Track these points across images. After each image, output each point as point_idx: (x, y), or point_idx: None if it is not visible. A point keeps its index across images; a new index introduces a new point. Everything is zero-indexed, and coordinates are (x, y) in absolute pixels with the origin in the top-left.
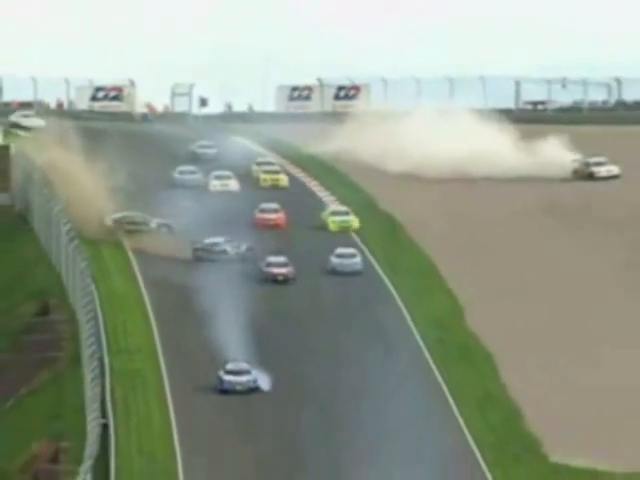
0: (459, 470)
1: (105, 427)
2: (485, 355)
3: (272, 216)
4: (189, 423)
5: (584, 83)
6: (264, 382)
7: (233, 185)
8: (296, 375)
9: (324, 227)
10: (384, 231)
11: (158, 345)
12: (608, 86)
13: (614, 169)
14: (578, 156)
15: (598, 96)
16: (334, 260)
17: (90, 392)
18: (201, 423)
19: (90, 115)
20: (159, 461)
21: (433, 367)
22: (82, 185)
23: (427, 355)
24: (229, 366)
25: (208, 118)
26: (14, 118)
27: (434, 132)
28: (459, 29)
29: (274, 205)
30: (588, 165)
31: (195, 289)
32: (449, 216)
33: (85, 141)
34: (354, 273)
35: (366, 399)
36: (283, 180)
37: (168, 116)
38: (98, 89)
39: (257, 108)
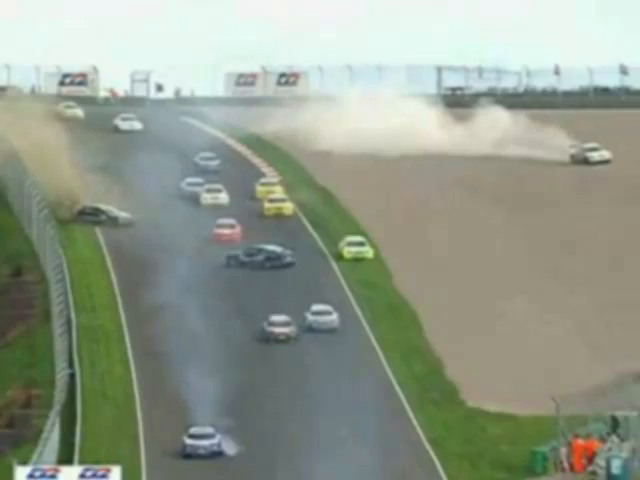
0: (387, 413)
1: (72, 376)
2: (411, 314)
3: (227, 231)
4: (147, 372)
5: (498, 71)
6: (229, 447)
7: (223, 198)
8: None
9: (340, 256)
10: (320, 201)
11: (119, 303)
12: (519, 75)
13: (606, 154)
14: (574, 142)
15: (510, 84)
16: (310, 317)
17: (59, 345)
18: (159, 374)
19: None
20: (120, 406)
21: (364, 323)
22: (57, 168)
23: (359, 312)
24: (192, 430)
25: (163, 102)
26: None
27: (365, 113)
28: (389, 21)
29: (231, 221)
30: (584, 150)
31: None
32: (380, 188)
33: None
34: (330, 331)
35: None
36: (287, 209)
37: (128, 100)
38: (65, 75)
39: (208, 93)
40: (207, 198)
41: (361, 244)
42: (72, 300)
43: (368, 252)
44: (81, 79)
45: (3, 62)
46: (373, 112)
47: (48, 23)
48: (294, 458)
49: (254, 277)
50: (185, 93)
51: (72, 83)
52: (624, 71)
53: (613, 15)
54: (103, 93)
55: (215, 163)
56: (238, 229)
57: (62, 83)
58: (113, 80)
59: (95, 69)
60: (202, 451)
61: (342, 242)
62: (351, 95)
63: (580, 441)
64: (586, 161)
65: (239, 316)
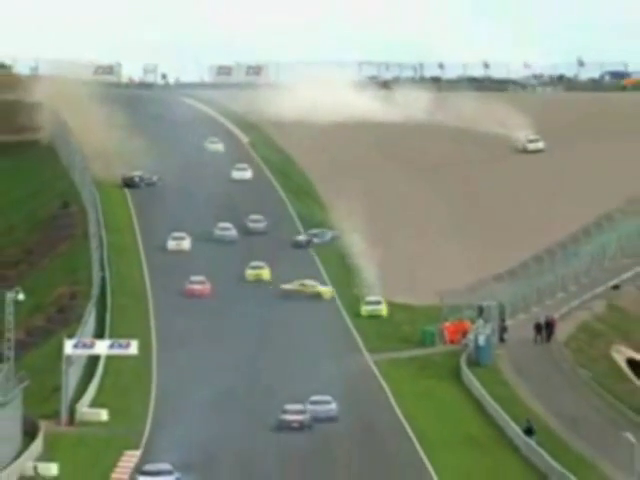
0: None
1: (103, 278)
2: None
3: (198, 287)
4: (156, 272)
5: (399, 65)
6: None
7: (185, 244)
8: None
9: (358, 314)
10: (278, 161)
11: (136, 226)
12: (414, 67)
13: (540, 145)
14: (523, 134)
15: (409, 73)
16: (309, 407)
17: (94, 256)
18: (166, 275)
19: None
20: (137, 297)
21: (320, 266)
22: (93, 132)
23: (316, 258)
24: (146, 467)
25: (166, 86)
26: None
27: (310, 95)
28: (335, 23)
29: (200, 277)
30: (528, 141)
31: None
32: (327, 151)
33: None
34: (329, 419)
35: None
36: (266, 274)
37: (142, 85)
38: (98, 67)
39: (197, 80)
40: (172, 245)
41: (378, 302)
42: (103, 225)
43: (383, 310)
44: (109, 70)
45: (53, 57)
46: (316, 93)
47: (84, 27)
48: None
49: None
50: (182, 80)
51: (103, 72)
52: (487, 65)
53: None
54: (124, 80)
55: (262, 225)
56: (208, 285)
57: (96, 72)
58: (131, 70)
59: (119, 63)
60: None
61: (362, 302)
62: (300, 82)
63: (449, 323)
64: (525, 150)
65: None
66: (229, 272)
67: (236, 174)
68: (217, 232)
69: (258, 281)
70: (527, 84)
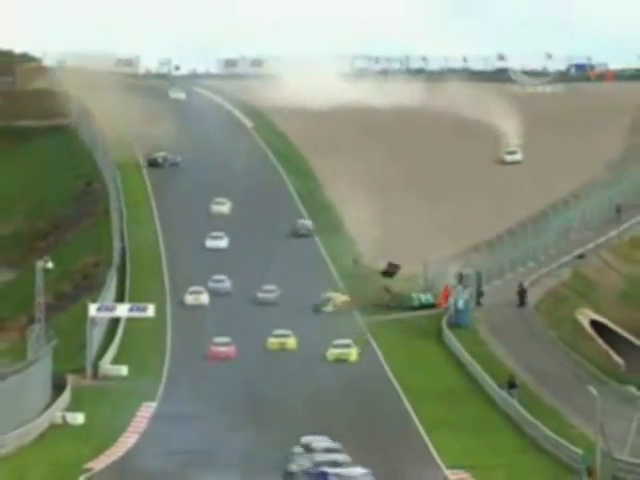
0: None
1: (123, 248)
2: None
3: (223, 349)
4: (171, 237)
5: (388, 59)
6: None
7: (203, 298)
8: None
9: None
10: (275, 137)
11: (153, 202)
12: (400, 60)
13: (518, 157)
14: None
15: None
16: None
17: (115, 228)
18: (179, 241)
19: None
20: (152, 264)
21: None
22: (115, 118)
23: (302, 209)
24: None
25: (180, 77)
26: None
27: (307, 84)
28: (329, 20)
29: (226, 339)
30: (506, 153)
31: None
32: (322, 135)
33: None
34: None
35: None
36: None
37: (157, 76)
38: (119, 60)
39: (207, 71)
40: (189, 299)
41: (347, 346)
42: (123, 200)
43: (352, 354)
44: (129, 62)
45: (78, 51)
46: (312, 84)
47: (106, 24)
48: None
49: None
50: (193, 71)
51: (123, 65)
52: (465, 59)
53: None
54: (142, 71)
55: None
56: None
57: (117, 64)
58: (148, 63)
59: (137, 56)
60: None
61: (330, 345)
62: (298, 73)
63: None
64: (503, 162)
65: None
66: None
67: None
68: (210, 284)
69: (282, 350)
70: (514, 77)
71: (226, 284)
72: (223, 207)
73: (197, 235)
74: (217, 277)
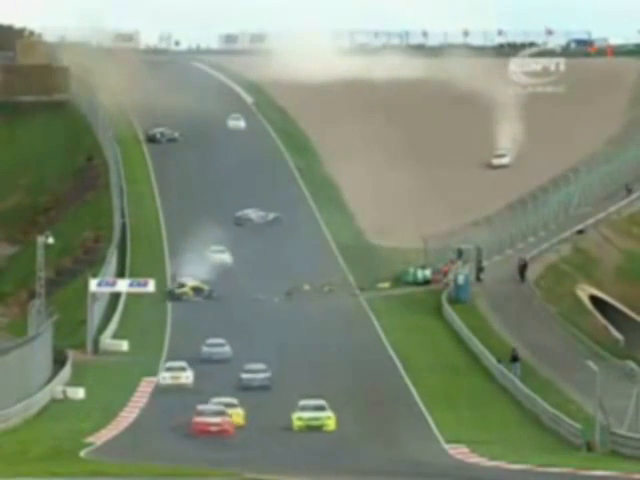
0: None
1: (124, 224)
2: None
3: (215, 420)
4: (170, 217)
5: (388, 34)
6: None
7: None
8: None
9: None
10: (273, 109)
11: (153, 178)
12: (400, 35)
13: (505, 161)
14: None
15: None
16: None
17: (115, 204)
18: (180, 218)
19: None
20: (152, 239)
21: (304, 192)
22: (118, 99)
23: (301, 184)
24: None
25: (180, 52)
26: None
27: (305, 59)
28: None
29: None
30: (495, 157)
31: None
32: (320, 108)
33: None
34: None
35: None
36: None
37: (157, 51)
38: (118, 35)
39: (207, 46)
40: (166, 378)
41: (322, 408)
42: (123, 176)
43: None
44: (128, 37)
45: (78, 26)
46: (311, 58)
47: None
48: None
49: None
50: (193, 46)
51: (123, 40)
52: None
53: None
54: (142, 46)
55: (242, 123)
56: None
57: (116, 39)
58: (149, 38)
59: (137, 31)
60: None
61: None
62: (298, 48)
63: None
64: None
65: None
66: None
67: (231, 123)
68: (205, 349)
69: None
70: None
71: (226, 255)
72: (240, 122)
73: (197, 211)
74: (215, 247)
